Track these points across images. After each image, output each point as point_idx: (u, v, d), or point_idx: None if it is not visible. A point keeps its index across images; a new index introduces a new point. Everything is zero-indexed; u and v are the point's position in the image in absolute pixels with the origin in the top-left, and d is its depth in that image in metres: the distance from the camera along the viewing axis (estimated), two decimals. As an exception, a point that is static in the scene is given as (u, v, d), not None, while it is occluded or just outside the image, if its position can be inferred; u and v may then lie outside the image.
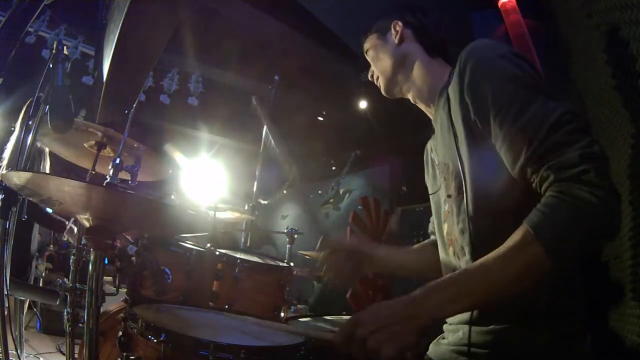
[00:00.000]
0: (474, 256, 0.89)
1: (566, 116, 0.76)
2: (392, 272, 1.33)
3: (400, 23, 1.14)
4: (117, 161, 1.46)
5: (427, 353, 1.03)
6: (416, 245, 1.33)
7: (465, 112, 0.91)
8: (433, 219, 1.17)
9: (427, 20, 1.15)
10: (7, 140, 2.36)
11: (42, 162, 2.64)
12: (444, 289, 0.76)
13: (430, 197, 1.17)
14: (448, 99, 0.97)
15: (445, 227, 1.07)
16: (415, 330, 0.73)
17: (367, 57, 1.22)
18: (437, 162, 1.10)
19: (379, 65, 1.17)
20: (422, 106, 1.16)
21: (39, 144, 2.52)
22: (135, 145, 1.70)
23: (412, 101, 1.17)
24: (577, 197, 0.70)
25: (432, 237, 1.30)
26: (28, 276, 2.62)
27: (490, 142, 0.87)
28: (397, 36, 1.13)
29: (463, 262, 0.96)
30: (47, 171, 2.60)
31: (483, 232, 0.88)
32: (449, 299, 0.75)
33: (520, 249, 0.72)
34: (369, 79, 1.23)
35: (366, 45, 1.21)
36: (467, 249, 0.92)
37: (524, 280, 0.73)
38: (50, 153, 2.56)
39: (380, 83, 1.18)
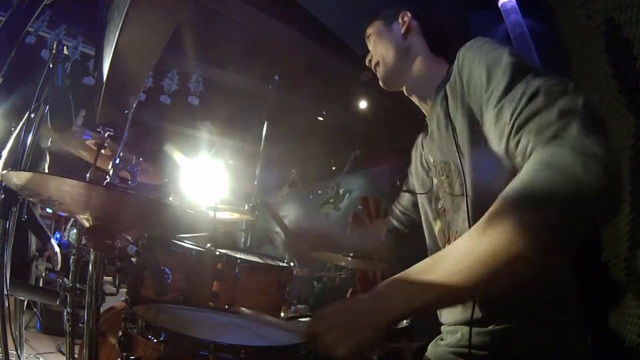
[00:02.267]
0: None
1: (549, 82, 0.70)
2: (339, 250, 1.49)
3: (409, 14, 1.13)
4: (117, 161, 1.46)
5: (426, 354, 1.03)
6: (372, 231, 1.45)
7: (467, 109, 0.90)
8: (422, 214, 1.16)
9: (435, 16, 1.15)
10: (7, 140, 2.37)
11: (43, 161, 2.64)
12: (408, 282, 0.66)
13: (419, 196, 1.16)
14: (446, 96, 0.97)
15: (437, 223, 1.07)
16: (372, 326, 0.67)
17: (367, 43, 1.21)
18: (432, 160, 1.09)
19: (381, 52, 1.15)
20: (416, 100, 1.15)
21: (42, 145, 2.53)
22: (134, 157, 1.69)
23: (406, 94, 1.16)
24: (557, 160, 0.59)
25: (393, 222, 1.37)
26: (28, 277, 2.62)
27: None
28: (404, 27, 1.12)
29: None
30: (46, 171, 2.60)
31: None
32: (414, 293, 0.66)
33: (495, 224, 0.60)
34: (367, 64, 1.21)
35: (369, 31, 1.19)
36: None
37: (498, 263, 0.59)
38: (50, 153, 2.56)
39: (380, 71, 1.16)
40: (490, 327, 0.88)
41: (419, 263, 0.68)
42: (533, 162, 0.63)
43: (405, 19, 1.13)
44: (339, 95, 4.95)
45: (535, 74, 0.74)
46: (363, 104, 4.96)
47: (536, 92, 0.69)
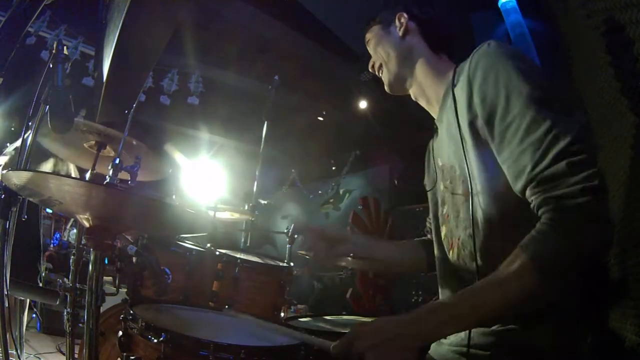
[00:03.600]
0: (484, 261, 0.89)
1: (574, 147, 0.75)
2: (373, 262, 1.27)
3: (405, 15, 1.11)
4: (117, 161, 1.46)
5: (429, 353, 1.03)
6: (401, 242, 1.32)
7: (472, 118, 0.89)
8: (430, 218, 1.17)
9: (433, 15, 1.13)
10: (7, 140, 2.36)
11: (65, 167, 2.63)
12: (443, 311, 0.80)
13: (428, 194, 1.16)
14: (455, 100, 0.96)
15: (443, 229, 1.07)
16: (411, 348, 0.76)
17: (368, 48, 1.19)
18: (440, 164, 1.08)
19: (382, 57, 1.14)
20: (423, 103, 1.14)
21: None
22: (134, 142, 1.69)
23: (413, 97, 1.15)
24: (573, 229, 0.72)
25: (427, 236, 1.28)
26: (37, 277, 2.62)
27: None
28: (402, 29, 1.10)
29: (472, 267, 0.94)
30: (73, 174, 2.59)
31: (491, 237, 0.88)
32: (448, 320, 0.77)
33: (517, 277, 0.73)
34: (370, 69, 1.19)
35: (368, 36, 1.18)
36: (478, 255, 0.91)
37: (519, 303, 0.76)
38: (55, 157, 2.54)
39: (384, 76, 1.15)
40: (492, 327, 0.88)
41: (450, 298, 0.89)
42: (551, 225, 0.73)
43: (402, 20, 1.11)
44: (339, 95, 4.95)
45: (555, 112, 0.78)
46: (363, 104, 4.96)
47: (561, 153, 0.74)
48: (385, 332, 0.77)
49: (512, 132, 0.81)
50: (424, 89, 1.10)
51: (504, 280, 0.75)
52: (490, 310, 0.76)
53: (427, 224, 1.28)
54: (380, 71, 1.16)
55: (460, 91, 0.94)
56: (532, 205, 0.79)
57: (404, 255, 1.28)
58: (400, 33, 1.11)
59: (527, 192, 0.79)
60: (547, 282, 0.72)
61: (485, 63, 0.88)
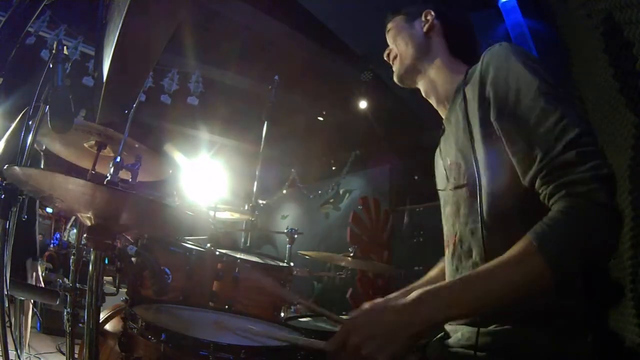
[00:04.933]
0: (485, 259, 0.88)
1: (583, 138, 0.76)
2: None
3: (432, 13, 1.12)
4: (118, 160, 1.45)
5: (427, 353, 1.02)
6: (433, 272, 1.26)
7: (484, 114, 0.90)
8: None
9: (460, 19, 1.14)
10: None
11: (39, 164, 2.62)
12: (439, 295, 0.76)
13: (439, 194, 1.16)
14: (465, 99, 0.96)
15: (445, 228, 1.07)
16: (408, 336, 0.73)
17: (387, 37, 1.20)
18: (448, 162, 1.08)
19: (399, 48, 1.15)
20: (433, 102, 1.14)
21: (37, 147, 2.51)
22: (137, 145, 1.70)
23: (423, 95, 1.16)
24: (584, 214, 0.71)
25: None
26: (31, 277, 2.62)
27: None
28: (427, 25, 1.12)
29: (468, 264, 0.94)
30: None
31: (495, 234, 0.88)
32: (444, 306, 0.74)
33: (522, 260, 0.72)
34: (385, 57, 1.20)
35: (389, 25, 1.19)
36: (475, 251, 0.92)
37: (524, 291, 0.73)
38: (46, 154, 2.54)
39: (396, 67, 1.16)
40: (491, 328, 0.88)
41: (449, 282, 0.82)
42: (561, 212, 0.73)
43: (429, 17, 1.12)
44: (339, 95, 4.95)
45: (564, 105, 0.80)
46: (363, 104, 4.95)
47: (571, 143, 0.75)
48: (380, 322, 0.75)
49: (522, 124, 0.82)
50: (436, 87, 1.11)
51: (509, 262, 0.73)
52: (494, 294, 0.73)
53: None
54: (395, 61, 1.17)
55: (472, 89, 0.95)
56: (542, 196, 0.79)
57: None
58: (425, 29, 1.12)
59: (538, 182, 0.79)
60: (553, 267, 0.70)
61: (497, 61, 0.90)
